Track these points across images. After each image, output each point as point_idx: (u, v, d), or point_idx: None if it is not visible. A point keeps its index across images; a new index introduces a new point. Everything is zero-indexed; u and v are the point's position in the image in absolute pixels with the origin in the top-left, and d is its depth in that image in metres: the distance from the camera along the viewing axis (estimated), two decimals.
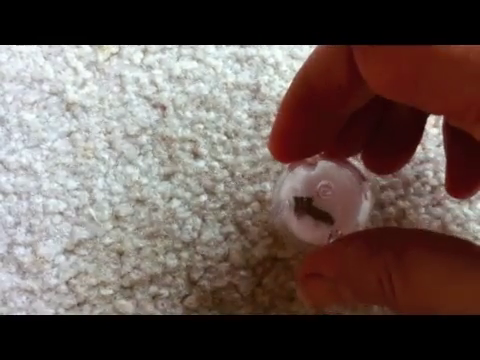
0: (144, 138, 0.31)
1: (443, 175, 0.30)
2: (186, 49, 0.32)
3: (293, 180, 0.27)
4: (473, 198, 0.30)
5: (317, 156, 0.27)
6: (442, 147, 0.30)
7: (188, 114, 0.31)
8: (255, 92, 0.31)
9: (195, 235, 0.31)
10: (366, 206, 0.27)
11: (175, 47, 0.32)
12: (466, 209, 0.30)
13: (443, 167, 0.30)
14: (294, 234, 0.27)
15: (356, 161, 0.31)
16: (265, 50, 0.32)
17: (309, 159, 0.27)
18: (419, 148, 0.30)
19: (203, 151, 0.31)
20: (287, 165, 0.27)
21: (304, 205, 0.26)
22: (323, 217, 0.26)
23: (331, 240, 0.26)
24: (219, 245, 0.30)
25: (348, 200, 0.26)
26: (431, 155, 0.30)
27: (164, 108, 0.31)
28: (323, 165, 0.27)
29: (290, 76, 0.31)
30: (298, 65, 0.31)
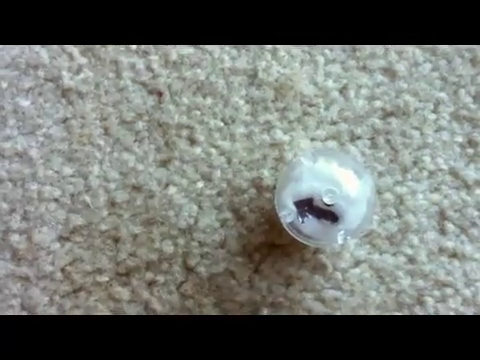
0: (140, 124, 0.31)
1: (441, 160, 0.30)
2: None
3: (292, 182, 0.27)
4: (471, 183, 0.30)
5: (314, 151, 0.27)
6: (440, 132, 0.30)
7: (185, 100, 0.31)
8: (252, 78, 0.31)
9: (191, 222, 0.30)
10: (367, 197, 0.27)
11: None
12: (464, 195, 0.30)
13: (441, 152, 0.30)
14: (303, 235, 0.27)
15: (354, 148, 0.30)
16: None
17: (308, 156, 0.27)
18: (417, 133, 0.30)
19: (200, 137, 0.31)
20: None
21: (305, 207, 0.26)
22: (326, 214, 0.26)
23: (341, 237, 0.26)
24: (216, 232, 0.30)
25: (350, 195, 0.26)
26: (429, 140, 0.30)
27: (160, 94, 0.31)
28: (322, 162, 0.27)
29: (287, 62, 0.31)
30: (296, 50, 0.31)
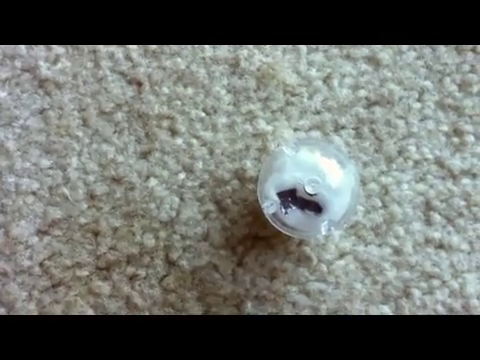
0: (119, 115, 0.30)
1: (426, 150, 0.30)
2: None
3: (275, 173, 0.26)
4: (457, 173, 0.30)
5: (297, 141, 0.27)
6: (425, 121, 0.30)
7: (165, 90, 0.30)
8: (234, 67, 0.30)
9: (173, 214, 0.30)
10: (351, 187, 0.26)
11: None
12: (450, 184, 0.30)
13: (426, 141, 0.30)
14: (287, 226, 0.26)
15: (338, 138, 0.30)
16: None
17: (290, 145, 0.26)
18: (402, 122, 0.30)
19: (181, 128, 0.30)
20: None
21: (288, 198, 0.26)
22: (309, 205, 0.26)
23: (324, 227, 0.26)
24: (198, 224, 0.30)
25: (333, 185, 0.26)
26: (414, 129, 0.30)
27: (140, 84, 0.30)
28: (304, 152, 0.26)
29: (270, 50, 0.30)
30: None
